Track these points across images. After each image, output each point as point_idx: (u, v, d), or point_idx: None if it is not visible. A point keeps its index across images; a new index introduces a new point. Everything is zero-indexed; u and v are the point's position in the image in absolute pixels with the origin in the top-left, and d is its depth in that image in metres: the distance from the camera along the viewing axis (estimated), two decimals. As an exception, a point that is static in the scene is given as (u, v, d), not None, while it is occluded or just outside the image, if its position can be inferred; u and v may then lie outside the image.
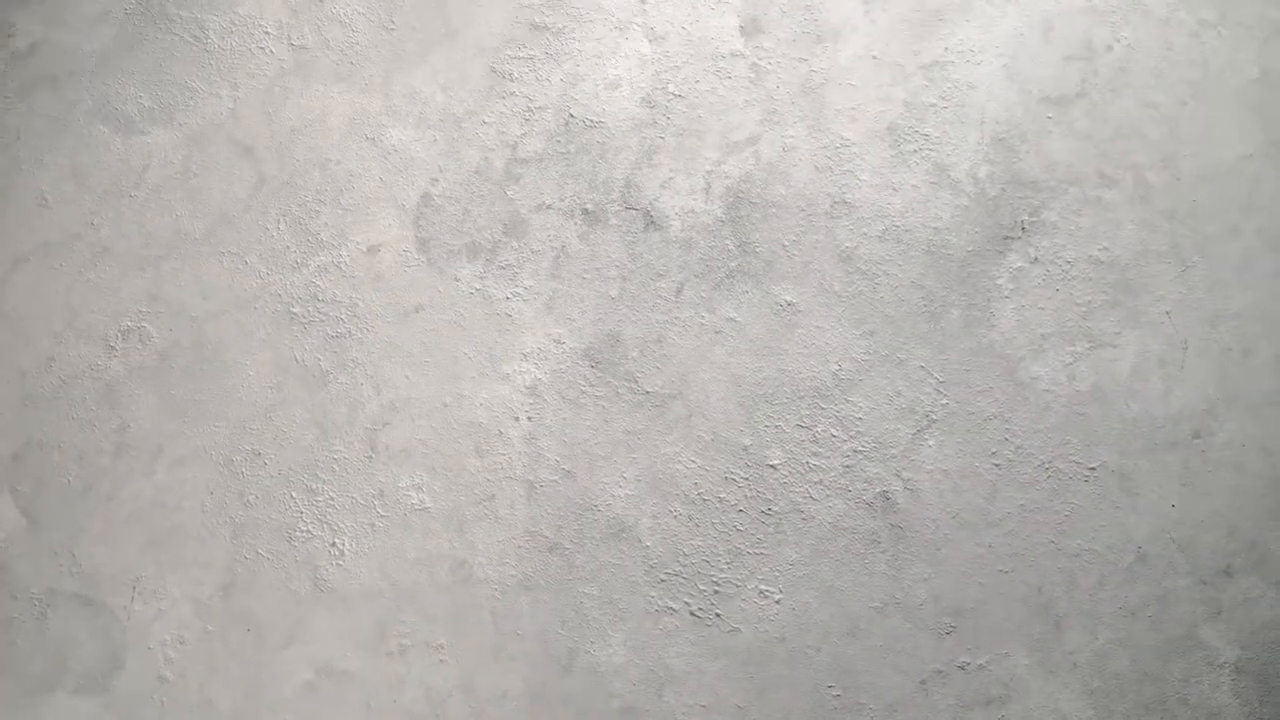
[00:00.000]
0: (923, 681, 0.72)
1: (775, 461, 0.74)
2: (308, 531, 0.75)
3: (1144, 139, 0.73)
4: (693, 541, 0.74)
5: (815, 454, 0.74)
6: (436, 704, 0.74)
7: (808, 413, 0.74)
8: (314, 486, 0.75)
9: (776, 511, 0.74)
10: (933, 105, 0.75)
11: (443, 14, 0.76)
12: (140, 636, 0.75)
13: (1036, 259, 0.74)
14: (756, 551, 0.74)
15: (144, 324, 0.76)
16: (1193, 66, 0.74)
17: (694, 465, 0.74)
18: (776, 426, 0.74)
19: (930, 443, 0.74)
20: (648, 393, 0.74)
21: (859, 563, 0.73)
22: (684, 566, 0.74)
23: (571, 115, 0.76)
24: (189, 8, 0.77)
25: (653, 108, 0.75)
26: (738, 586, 0.73)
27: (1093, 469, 0.73)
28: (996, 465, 0.73)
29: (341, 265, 0.76)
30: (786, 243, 0.75)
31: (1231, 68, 0.74)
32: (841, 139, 0.75)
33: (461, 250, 0.75)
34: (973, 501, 0.73)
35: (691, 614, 0.74)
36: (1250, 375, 0.73)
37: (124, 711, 0.75)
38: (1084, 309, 0.73)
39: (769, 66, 0.75)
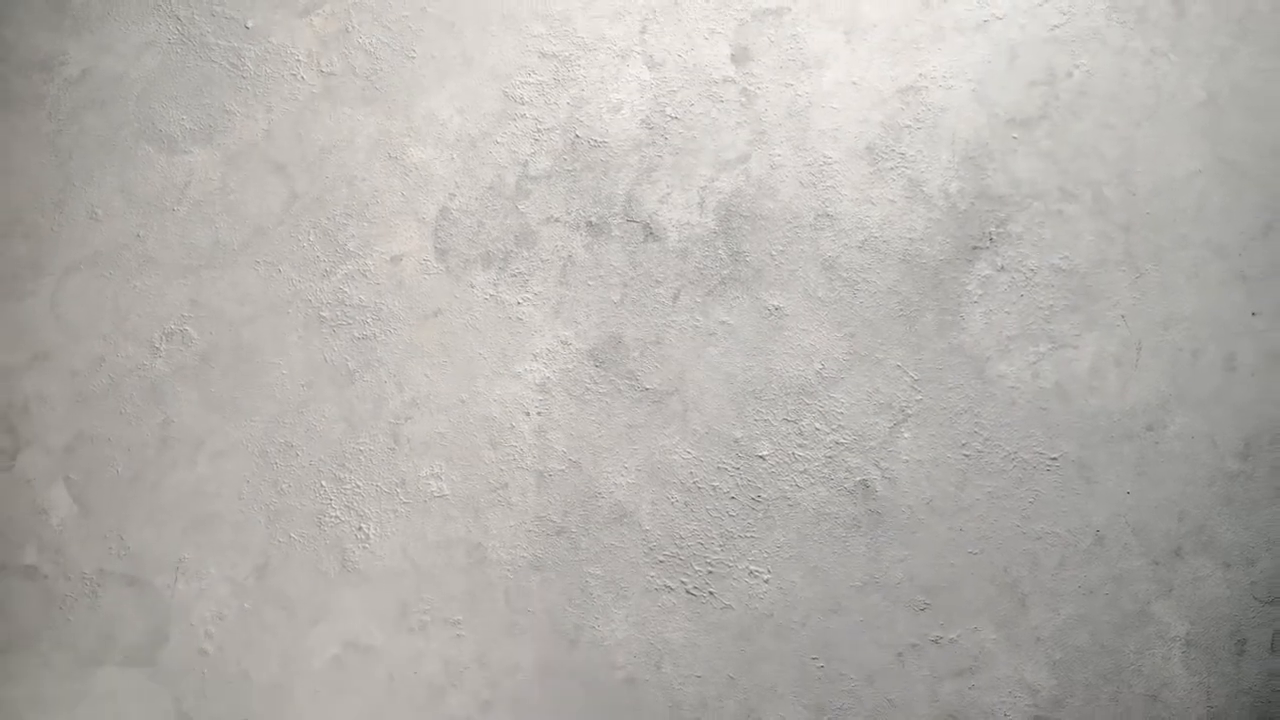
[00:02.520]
0: (899, 654, 0.76)
1: (764, 453, 0.78)
2: (336, 517, 0.79)
3: (1102, 157, 0.78)
4: (688, 526, 0.78)
5: (801, 446, 0.78)
6: (454, 675, 0.78)
7: (794, 408, 0.79)
8: (342, 476, 0.80)
9: (765, 498, 0.78)
10: (908, 126, 0.79)
11: (459, 44, 0.81)
12: (183, 613, 0.80)
13: (1003, 267, 0.78)
14: (747, 535, 0.78)
15: (186, 327, 0.80)
16: (1146, 91, 0.78)
17: (689, 456, 0.79)
18: (765, 421, 0.79)
19: (906, 435, 0.78)
20: (647, 390, 0.79)
21: (840, 545, 0.78)
22: (680, 549, 0.78)
23: (577, 136, 0.80)
24: (227, 37, 0.82)
25: (651, 129, 0.79)
26: (730, 567, 0.78)
27: (1055, 459, 0.77)
28: (966, 456, 0.78)
29: (367, 273, 0.80)
30: (774, 252, 0.79)
31: (1182, 91, 0.78)
32: (824, 157, 0.79)
33: (477, 259, 0.80)
34: (945, 489, 0.77)
35: (688, 592, 0.78)
36: (1199, 374, 0.77)
37: (168, 682, 0.79)
38: (1047, 313, 0.78)
39: (758, 91, 0.79)
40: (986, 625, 0.76)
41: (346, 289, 0.80)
